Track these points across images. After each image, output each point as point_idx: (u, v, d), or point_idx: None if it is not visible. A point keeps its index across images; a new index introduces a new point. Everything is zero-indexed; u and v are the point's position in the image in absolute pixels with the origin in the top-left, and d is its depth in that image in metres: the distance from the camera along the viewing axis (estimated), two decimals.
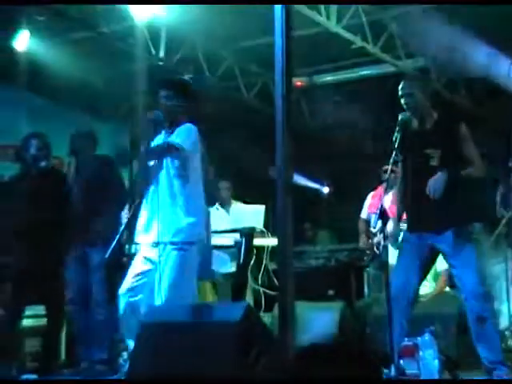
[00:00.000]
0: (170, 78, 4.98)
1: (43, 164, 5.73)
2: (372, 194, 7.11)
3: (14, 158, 7.24)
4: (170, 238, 4.53)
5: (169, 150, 4.59)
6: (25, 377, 5.44)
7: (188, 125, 4.68)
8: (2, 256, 5.74)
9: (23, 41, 8.19)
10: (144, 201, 4.67)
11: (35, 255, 5.58)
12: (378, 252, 6.46)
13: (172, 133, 4.68)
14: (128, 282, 4.55)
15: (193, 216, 4.58)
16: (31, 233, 5.60)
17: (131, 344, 4.32)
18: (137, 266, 4.59)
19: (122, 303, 4.52)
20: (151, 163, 4.66)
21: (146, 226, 4.61)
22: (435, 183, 4.35)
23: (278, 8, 3.27)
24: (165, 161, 4.61)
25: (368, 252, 6.68)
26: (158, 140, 4.73)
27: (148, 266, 4.56)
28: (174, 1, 7.61)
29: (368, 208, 7.04)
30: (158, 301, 4.40)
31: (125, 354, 4.63)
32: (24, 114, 8.47)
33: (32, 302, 5.92)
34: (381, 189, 7.13)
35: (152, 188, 4.61)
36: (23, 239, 5.62)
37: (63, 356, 6.19)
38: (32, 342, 6.22)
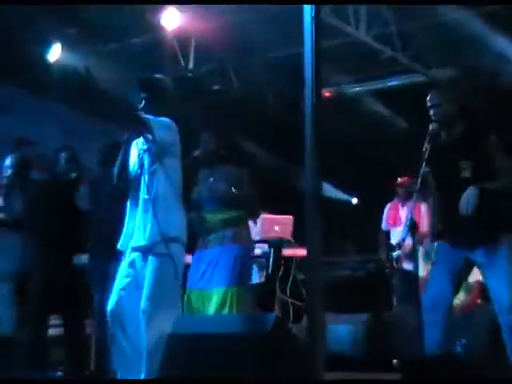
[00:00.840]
0: (141, 77, 4.65)
1: (72, 176, 5.78)
2: (389, 205, 7.07)
3: (44, 170, 7.32)
4: (146, 243, 4.27)
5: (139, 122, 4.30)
6: None
7: (163, 118, 4.42)
8: (27, 266, 5.75)
9: (55, 53, 8.30)
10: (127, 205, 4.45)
11: (59, 266, 5.62)
12: (396, 266, 6.44)
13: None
14: (114, 296, 4.30)
15: (170, 222, 4.31)
16: (54, 244, 5.64)
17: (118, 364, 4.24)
18: (121, 276, 4.36)
19: (110, 320, 4.26)
20: (130, 166, 4.45)
21: (126, 232, 4.39)
22: (467, 200, 4.27)
23: (307, 18, 3.28)
24: (143, 161, 4.37)
25: (389, 264, 6.65)
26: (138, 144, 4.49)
27: (131, 277, 4.32)
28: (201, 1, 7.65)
29: (386, 220, 7.01)
30: (140, 312, 4.17)
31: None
32: (55, 126, 8.56)
33: (55, 312, 5.96)
34: (398, 200, 7.09)
35: (131, 191, 4.41)
36: (46, 250, 5.67)
37: (92, 366, 6.23)
38: (59, 350, 6.26)
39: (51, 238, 5.64)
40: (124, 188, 4.42)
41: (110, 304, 4.27)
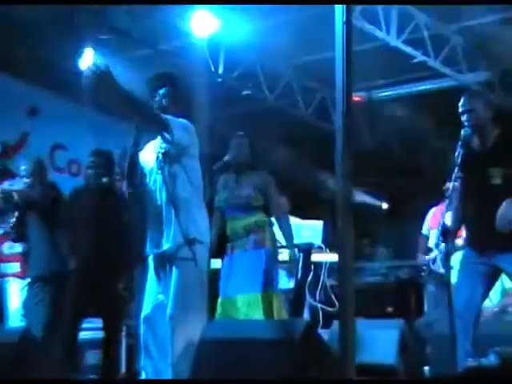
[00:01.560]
0: (159, 73, 4.53)
1: (104, 180, 5.81)
2: (434, 209, 7.01)
3: (78, 174, 7.41)
4: (169, 247, 4.21)
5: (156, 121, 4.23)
6: None
7: (181, 119, 4.34)
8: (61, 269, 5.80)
9: (88, 59, 8.37)
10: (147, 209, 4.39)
11: (93, 268, 5.66)
12: (432, 268, 6.37)
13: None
14: (146, 302, 4.29)
15: (193, 224, 4.24)
16: (89, 247, 5.68)
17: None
18: (151, 282, 4.34)
19: (142, 325, 4.26)
20: (147, 166, 4.38)
21: (150, 236, 4.35)
22: (506, 216, 4.21)
23: (338, 23, 3.29)
24: (162, 164, 4.29)
25: (424, 268, 6.58)
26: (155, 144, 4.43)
27: (160, 283, 4.29)
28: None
29: (429, 223, 6.96)
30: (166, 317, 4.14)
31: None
32: (88, 130, 8.63)
33: (90, 314, 5.99)
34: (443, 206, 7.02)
35: (151, 195, 4.34)
36: (81, 253, 5.71)
37: (123, 369, 6.27)
38: (93, 354, 6.30)
39: (86, 242, 5.68)
40: (135, 192, 4.38)
41: (144, 310, 4.29)
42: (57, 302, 5.67)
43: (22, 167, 5.89)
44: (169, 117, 4.24)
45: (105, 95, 4.14)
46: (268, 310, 5.01)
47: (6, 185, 5.68)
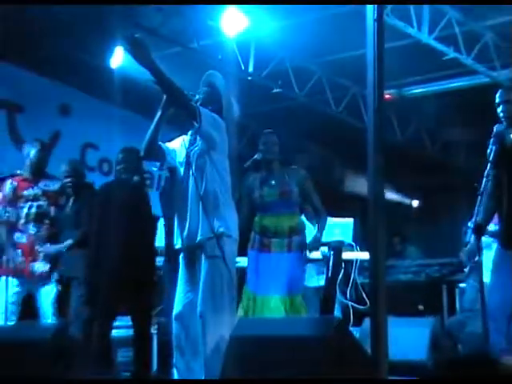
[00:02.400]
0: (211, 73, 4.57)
1: (133, 178, 5.85)
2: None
3: (109, 173, 7.46)
4: (198, 241, 4.24)
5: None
6: None
7: (214, 114, 4.36)
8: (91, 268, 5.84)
9: (118, 58, 8.43)
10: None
11: (122, 267, 5.69)
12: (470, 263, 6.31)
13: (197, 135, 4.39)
14: (178, 299, 4.32)
15: (221, 220, 4.26)
16: (118, 245, 5.71)
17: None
18: (182, 279, 4.37)
19: (175, 322, 4.29)
20: (176, 161, 4.39)
21: (178, 231, 4.36)
22: None
23: (369, 20, 3.27)
24: (191, 156, 4.32)
25: (459, 265, 6.53)
26: (187, 143, 4.43)
27: (191, 279, 4.31)
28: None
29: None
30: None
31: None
32: (119, 129, 8.68)
33: (122, 312, 6.04)
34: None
35: (180, 188, 4.36)
36: (110, 251, 5.74)
37: (155, 366, 6.30)
38: (125, 352, 6.35)
39: (116, 239, 5.72)
40: (152, 158, 4.42)
41: (175, 307, 4.31)
42: (88, 301, 5.73)
43: (63, 168, 5.93)
44: (200, 107, 4.28)
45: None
46: (300, 310, 5.04)
47: (41, 185, 5.73)
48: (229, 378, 3.86)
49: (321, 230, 5.39)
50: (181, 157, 4.39)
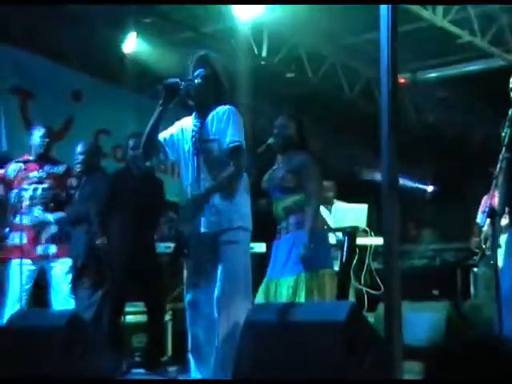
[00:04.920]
0: (200, 53, 4.36)
1: (144, 164, 5.84)
2: (485, 197, 6.90)
3: (123, 159, 7.45)
4: (213, 229, 4.18)
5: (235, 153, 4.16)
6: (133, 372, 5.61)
7: (228, 107, 4.23)
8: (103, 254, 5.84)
9: (131, 43, 8.43)
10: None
11: (133, 253, 5.70)
12: (484, 247, 6.27)
13: (204, 119, 4.25)
14: (190, 284, 4.30)
15: (234, 207, 4.19)
16: (131, 231, 5.72)
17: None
18: (192, 270, 4.32)
19: (188, 307, 4.27)
20: (181, 146, 4.29)
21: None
22: None
23: (383, 4, 3.24)
24: (197, 141, 4.21)
25: (477, 251, 6.48)
26: (189, 129, 4.30)
27: (204, 265, 4.26)
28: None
29: (481, 209, 6.85)
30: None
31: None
32: (132, 115, 8.68)
33: (134, 298, 6.05)
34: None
35: (190, 175, 4.25)
36: (123, 238, 5.75)
37: (169, 352, 6.33)
38: (139, 337, 6.38)
39: (130, 226, 5.73)
40: (152, 155, 4.31)
41: (187, 294, 4.31)
42: (98, 285, 5.74)
43: (79, 148, 5.94)
44: (230, 131, 4.16)
45: None
46: (314, 290, 4.96)
47: (47, 168, 5.74)
48: (229, 378, 3.89)
49: (308, 218, 5.12)
50: (184, 144, 4.29)
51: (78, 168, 5.83)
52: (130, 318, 6.30)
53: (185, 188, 4.28)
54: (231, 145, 4.16)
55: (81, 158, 5.88)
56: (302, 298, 4.92)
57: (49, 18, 7.74)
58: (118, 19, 8.09)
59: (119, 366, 5.38)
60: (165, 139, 4.30)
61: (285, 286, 4.98)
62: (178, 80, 4.15)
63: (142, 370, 5.80)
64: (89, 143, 6.21)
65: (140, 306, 6.17)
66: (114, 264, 5.77)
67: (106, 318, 5.72)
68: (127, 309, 6.08)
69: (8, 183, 5.66)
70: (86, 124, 8.90)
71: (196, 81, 4.23)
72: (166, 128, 4.33)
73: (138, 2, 7.58)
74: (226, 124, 4.19)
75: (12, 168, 5.69)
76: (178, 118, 4.40)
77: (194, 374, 4.24)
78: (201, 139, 4.22)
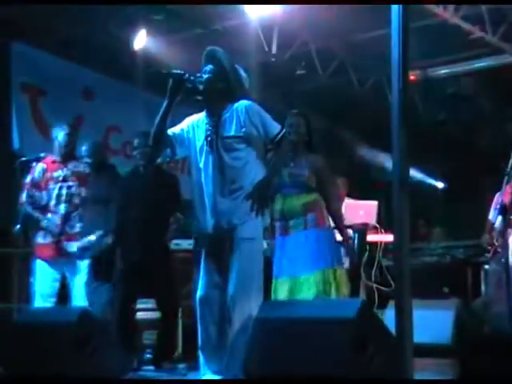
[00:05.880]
0: (208, 49, 4.34)
1: (157, 162, 5.84)
2: (498, 194, 6.88)
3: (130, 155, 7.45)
4: (226, 226, 4.19)
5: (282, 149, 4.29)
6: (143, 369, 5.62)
7: (248, 102, 4.24)
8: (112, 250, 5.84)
9: (141, 40, 8.44)
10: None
11: (144, 250, 5.70)
12: (496, 244, 6.26)
13: (218, 116, 4.25)
14: (202, 281, 4.30)
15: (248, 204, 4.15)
16: (140, 227, 5.73)
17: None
18: (206, 262, 4.33)
19: (199, 304, 4.28)
20: (194, 143, 4.28)
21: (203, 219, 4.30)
22: None
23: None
24: (212, 137, 4.21)
25: (489, 248, 6.46)
26: (201, 126, 4.29)
27: (216, 262, 4.28)
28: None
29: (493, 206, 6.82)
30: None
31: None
32: (141, 112, 8.68)
33: (144, 295, 6.06)
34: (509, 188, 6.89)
35: (199, 173, 4.25)
36: (133, 233, 5.76)
37: (180, 349, 6.33)
38: (150, 334, 6.39)
39: (141, 223, 5.73)
40: (160, 150, 4.30)
41: (199, 290, 4.31)
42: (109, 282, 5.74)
43: (83, 148, 5.96)
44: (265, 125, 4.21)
45: None
46: (340, 286, 4.99)
47: (71, 167, 5.76)
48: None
49: (338, 221, 5.23)
50: (196, 142, 4.29)
51: (86, 169, 5.85)
52: (141, 315, 6.31)
53: (196, 185, 4.29)
54: (280, 135, 4.21)
55: (86, 160, 5.93)
56: (331, 293, 4.94)
57: (61, 16, 7.76)
58: (128, 17, 8.10)
59: (130, 363, 5.39)
60: (174, 134, 4.30)
61: (306, 282, 4.98)
62: (183, 72, 4.15)
63: (152, 367, 5.80)
64: (92, 144, 6.22)
65: (151, 302, 6.17)
66: (125, 261, 5.77)
67: (117, 315, 5.73)
68: (138, 306, 6.09)
69: (37, 186, 5.69)
70: (96, 121, 8.91)
71: (204, 76, 4.23)
72: (174, 125, 4.34)
73: (144, 2, 7.59)
74: (258, 118, 4.21)
75: (38, 170, 5.72)
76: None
77: (204, 371, 4.25)
78: (218, 136, 4.22)
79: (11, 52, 8.21)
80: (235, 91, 4.28)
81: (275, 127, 4.24)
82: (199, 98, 4.25)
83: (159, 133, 4.22)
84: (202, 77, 4.23)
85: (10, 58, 8.22)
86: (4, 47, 8.14)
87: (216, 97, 4.25)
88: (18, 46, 8.24)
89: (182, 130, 4.33)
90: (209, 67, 4.25)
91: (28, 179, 5.66)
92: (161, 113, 4.21)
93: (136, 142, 5.92)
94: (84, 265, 5.66)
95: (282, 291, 5.03)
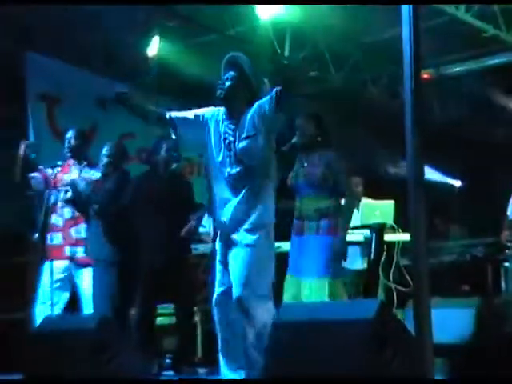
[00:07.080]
0: (235, 55, 4.38)
1: (172, 167, 5.86)
2: None
3: (145, 161, 7.46)
4: (236, 228, 4.22)
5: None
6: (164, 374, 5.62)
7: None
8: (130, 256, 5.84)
9: (154, 46, 8.47)
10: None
11: (161, 255, 5.71)
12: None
13: (238, 120, 4.27)
14: (218, 284, 4.33)
15: (261, 206, 4.22)
16: (157, 233, 5.73)
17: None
18: (218, 270, 4.36)
19: (215, 308, 4.33)
20: (210, 147, 4.32)
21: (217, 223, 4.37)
22: None
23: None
24: (228, 139, 4.25)
25: (509, 244, 6.44)
26: (220, 124, 4.34)
27: (226, 269, 4.29)
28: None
29: (511, 203, 6.79)
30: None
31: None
32: None
33: (163, 300, 6.07)
34: None
35: (217, 174, 4.32)
36: (149, 239, 5.76)
37: (199, 354, 6.34)
38: (170, 339, 6.40)
39: (157, 228, 5.74)
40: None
41: (215, 292, 4.32)
42: (122, 287, 5.74)
43: (104, 149, 5.94)
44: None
45: None
46: (333, 296, 4.99)
47: (86, 171, 5.78)
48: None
49: (342, 215, 5.20)
50: (215, 134, 4.32)
51: (103, 170, 5.84)
52: (160, 320, 6.32)
53: (212, 187, 4.30)
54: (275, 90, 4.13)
55: (106, 160, 5.88)
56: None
57: (75, 25, 7.80)
58: (142, 22, 8.12)
59: (149, 369, 5.40)
60: (177, 117, 4.37)
61: (309, 286, 4.98)
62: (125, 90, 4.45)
63: (172, 373, 5.81)
64: (114, 145, 6.21)
65: (170, 307, 6.18)
66: (143, 266, 5.78)
67: (137, 320, 5.74)
68: (158, 311, 6.10)
69: (48, 183, 5.73)
70: (110, 128, 8.93)
71: (226, 83, 4.25)
72: None
73: (156, 3, 7.60)
74: (257, 109, 4.20)
75: (54, 170, 5.76)
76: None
77: (224, 373, 4.26)
78: (236, 140, 4.24)
79: (26, 61, 8.25)
80: (256, 97, 4.29)
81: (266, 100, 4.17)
82: (220, 103, 4.30)
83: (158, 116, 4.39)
84: (224, 84, 4.25)
85: (26, 67, 8.26)
86: (19, 56, 8.19)
87: (237, 103, 4.29)
88: (32, 55, 8.28)
89: (197, 115, 4.37)
90: (230, 74, 4.28)
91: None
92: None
93: (164, 145, 5.87)
94: (90, 270, 5.65)
95: (289, 289, 5.06)
